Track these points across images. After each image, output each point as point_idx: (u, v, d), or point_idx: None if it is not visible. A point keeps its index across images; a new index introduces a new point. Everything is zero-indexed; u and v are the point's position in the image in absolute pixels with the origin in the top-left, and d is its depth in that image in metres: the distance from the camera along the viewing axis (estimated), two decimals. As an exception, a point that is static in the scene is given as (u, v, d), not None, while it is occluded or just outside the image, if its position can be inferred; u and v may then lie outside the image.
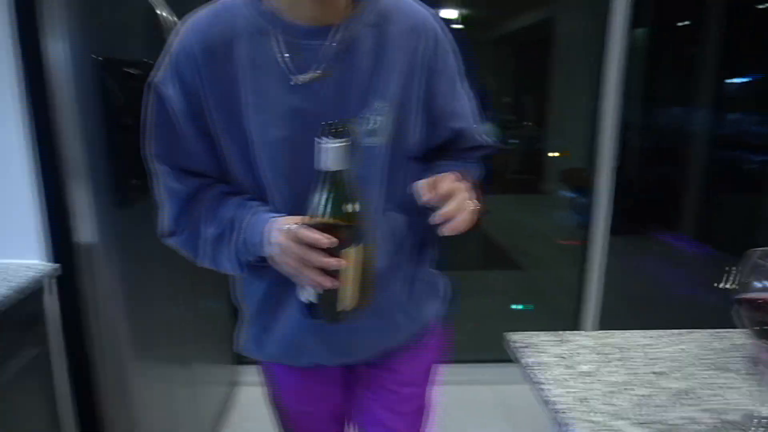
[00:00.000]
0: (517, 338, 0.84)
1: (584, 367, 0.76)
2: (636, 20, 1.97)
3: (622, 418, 0.64)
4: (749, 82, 3.09)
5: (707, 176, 3.08)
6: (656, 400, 0.68)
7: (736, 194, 3.16)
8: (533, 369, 0.75)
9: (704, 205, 3.09)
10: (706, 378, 0.73)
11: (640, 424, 0.63)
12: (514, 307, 2.73)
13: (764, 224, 2.85)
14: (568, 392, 0.69)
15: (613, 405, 0.67)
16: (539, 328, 0.87)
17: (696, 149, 3.11)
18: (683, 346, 0.82)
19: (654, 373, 0.75)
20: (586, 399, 0.68)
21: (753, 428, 0.62)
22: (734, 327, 0.65)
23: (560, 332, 0.86)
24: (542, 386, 0.71)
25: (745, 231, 2.98)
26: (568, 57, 2.52)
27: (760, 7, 2.85)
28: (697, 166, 3.10)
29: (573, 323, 2.23)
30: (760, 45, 2.68)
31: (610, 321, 2.17)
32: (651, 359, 0.78)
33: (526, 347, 0.81)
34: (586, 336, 0.86)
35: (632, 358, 0.79)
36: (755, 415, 0.64)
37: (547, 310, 2.67)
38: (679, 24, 3.15)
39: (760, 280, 0.61)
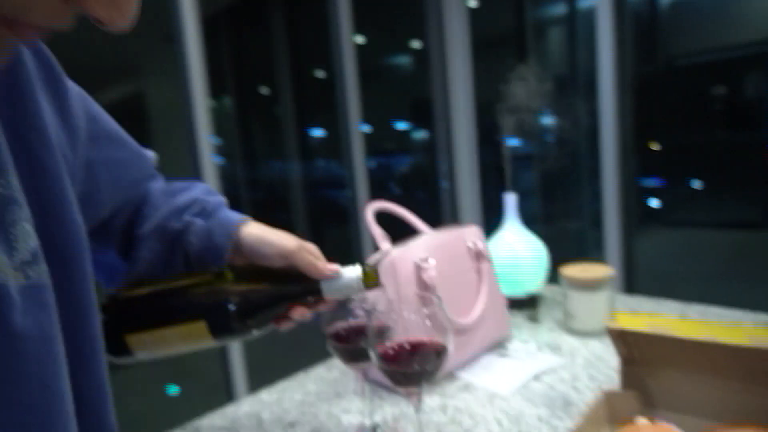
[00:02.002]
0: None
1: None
2: (218, 89, 2.13)
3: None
4: (325, 134, 3.73)
5: (311, 215, 3.56)
6: (291, 453, 0.71)
7: (337, 226, 3.76)
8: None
9: (313, 238, 3.57)
10: (328, 411, 0.81)
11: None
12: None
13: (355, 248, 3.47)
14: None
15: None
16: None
17: (297, 194, 3.57)
18: (307, 388, 0.90)
19: (285, 426, 0.78)
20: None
21: (367, 442, 0.72)
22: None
23: (191, 423, 0.81)
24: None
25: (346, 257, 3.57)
26: (164, 126, 2.54)
27: (319, 75, 3.48)
28: (301, 207, 3.56)
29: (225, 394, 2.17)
30: (322, 104, 3.29)
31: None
32: (283, 412, 0.82)
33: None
34: (220, 416, 0.83)
35: (265, 421, 0.81)
36: (365, 425, 0.73)
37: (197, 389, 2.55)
38: (261, 92, 3.57)
39: (344, 317, 0.71)
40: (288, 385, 0.91)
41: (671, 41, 2.87)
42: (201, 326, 0.51)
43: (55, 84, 0.45)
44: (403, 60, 3.62)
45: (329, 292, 0.56)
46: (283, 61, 3.27)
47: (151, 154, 0.61)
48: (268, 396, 0.88)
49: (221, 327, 0.52)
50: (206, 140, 2.00)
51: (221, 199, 0.61)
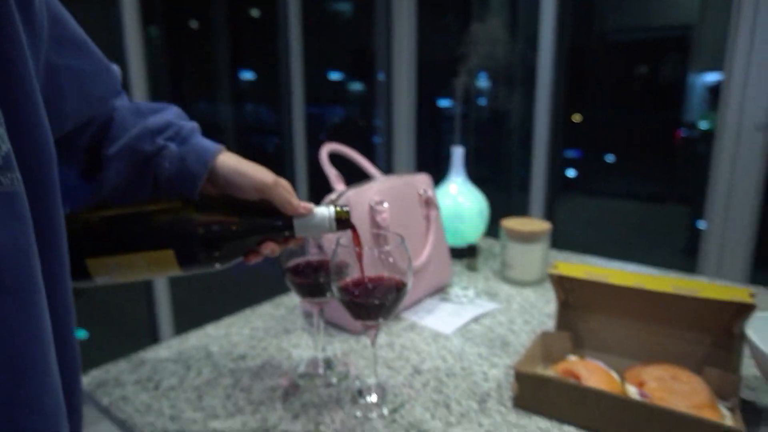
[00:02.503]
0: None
1: (167, 382, 0.72)
2: (148, 18, 1.97)
3: (215, 416, 0.64)
4: (255, 77, 3.59)
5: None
6: (242, 384, 0.71)
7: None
8: (118, 414, 0.67)
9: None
10: (277, 345, 0.82)
11: (233, 415, 0.65)
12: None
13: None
14: (158, 419, 0.65)
15: (203, 409, 0.66)
16: (111, 356, 0.78)
17: (226, 137, 3.42)
18: (254, 324, 0.89)
19: (235, 358, 0.78)
20: (174, 417, 0.65)
21: (321, 369, 0.74)
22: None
23: (137, 354, 0.79)
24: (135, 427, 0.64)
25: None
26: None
27: (254, 14, 3.30)
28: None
29: (151, 336, 2.12)
30: (258, 46, 3.14)
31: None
32: (232, 346, 0.82)
33: (99, 387, 0.71)
34: (166, 347, 0.82)
35: (214, 354, 0.80)
36: (317, 358, 0.75)
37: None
38: (192, 25, 3.33)
39: (301, 253, 0.71)
40: (234, 321, 0.90)
41: (606, 15, 2.99)
42: (169, 254, 0.50)
43: None
44: (344, 7, 3.52)
45: (301, 230, 0.56)
46: (218, -6, 3.07)
47: (117, 69, 0.56)
48: (214, 330, 0.87)
49: (189, 257, 0.51)
50: (142, 71, 1.86)
51: (195, 125, 0.58)
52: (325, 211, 0.56)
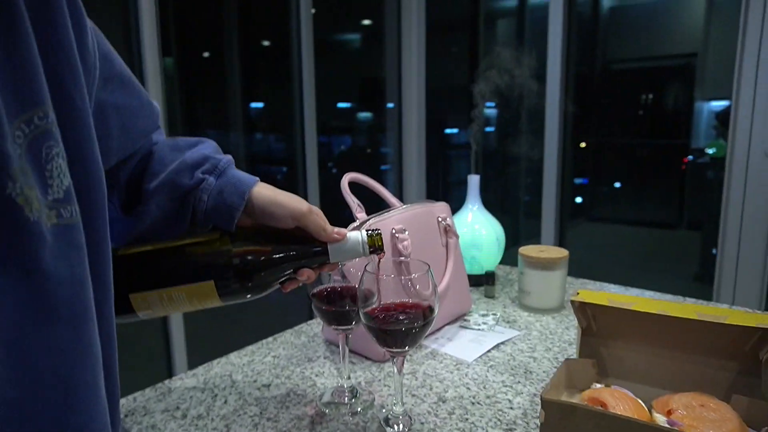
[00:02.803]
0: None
1: (195, 411, 0.72)
2: (164, 50, 2.02)
3: (244, 445, 0.64)
4: (264, 107, 3.64)
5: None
6: (268, 413, 0.71)
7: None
8: (142, 434, 0.67)
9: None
10: (301, 373, 0.82)
11: (261, 443, 0.65)
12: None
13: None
14: (186, 443, 0.65)
15: (233, 436, 0.66)
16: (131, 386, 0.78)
17: (238, 166, 3.46)
18: (276, 352, 0.90)
19: (259, 387, 0.78)
20: (205, 442, 0.65)
21: (346, 398, 0.74)
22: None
23: (163, 382, 0.80)
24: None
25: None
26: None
27: (265, 44, 3.38)
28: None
29: (167, 367, 2.11)
30: (268, 76, 3.20)
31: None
32: (256, 374, 0.82)
33: (128, 416, 0.71)
34: (192, 376, 0.82)
35: (239, 382, 0.80)
36: (343, 386, 0.75)
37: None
38: (204, 54, 3.41)
39: (325, 280, 0.72)
40: (256, 349, 0.91)
41: (609, 46, 3.05)
42: (209, 287, 0.51)
43: (77, 14, 0.42)
44: (353, 37, 3.59)
45: (335, 256, 0.57)
46: (232, 25, 3.15)
47: (156, 105, 0.58)
48: (238, 359, 0.87)
49: (230, 288, 0.52)
50: (161, 94, 1.90)
51: (230, 158, 0.60)
52: (357, 235, 0.57)
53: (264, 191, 0.56)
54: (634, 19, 2.96)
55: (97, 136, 0.48)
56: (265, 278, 0.53)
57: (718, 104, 2.58)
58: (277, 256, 0.54)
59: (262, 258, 0.53)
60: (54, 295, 0.34)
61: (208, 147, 0.59)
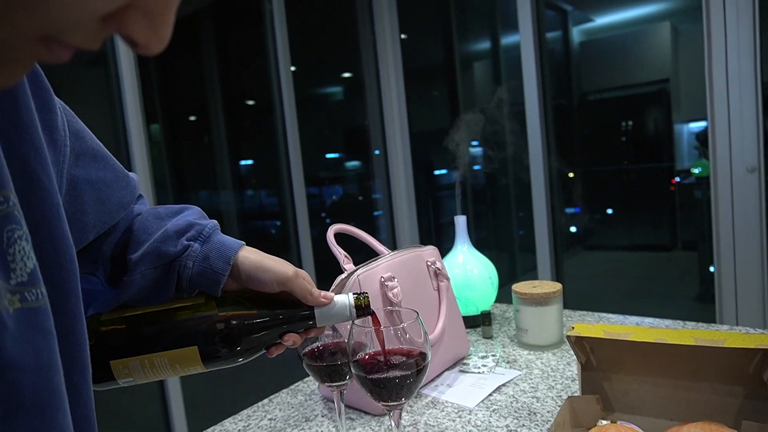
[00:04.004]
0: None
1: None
2: (149, 117, 2.05)
3: None
4: (253, 163, 3.68)
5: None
6: (265, 482, 0.68)
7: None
8: None
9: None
10: (297, 436, 0.79)
11: None
12: None
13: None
14: None
15: None
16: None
17: (229, 224, 3.46)
18: (273, 414, 0.87)
19: (255, 454, 0.75)
20: None
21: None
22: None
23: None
24: None
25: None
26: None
27: (249, 103, 3.45)
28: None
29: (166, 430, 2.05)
30: (254, 133, 3.25)
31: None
32: (249, 441, 0.79)
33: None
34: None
35: (232, 448, 0.77)
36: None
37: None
38: (190, 118, 3.47)
39: (315, 338, 0.71)
40: (251, 413, 0.88)
41: (584, 78, 3.13)
42: (193, 352, 0.50)
43: (43, 96, 0.43)
44: (335, 90, 3.67)
45: (322, 320, 0.56)
46: (215, 87, 3.22)
47: (135, 177, 0.58)
48: (232, 425, 0.84)
49: (213, 354, 0.51)
50: (145, 162, 1.92)
51: (215, 223, 0.59)
52: (344, 299, 0.57)
53: (250, 255, 0.56)
54: (604, 51, 3.05)
55: (72, 213, 0.48)
56: (251, 343, 0.52)
57: (697, 125, 2.63)
58: (263, 321, 0.53)
59: (248, 324, 0.52)
60: (17, 384, 0.32)
61: (192, 213, 0.59)
